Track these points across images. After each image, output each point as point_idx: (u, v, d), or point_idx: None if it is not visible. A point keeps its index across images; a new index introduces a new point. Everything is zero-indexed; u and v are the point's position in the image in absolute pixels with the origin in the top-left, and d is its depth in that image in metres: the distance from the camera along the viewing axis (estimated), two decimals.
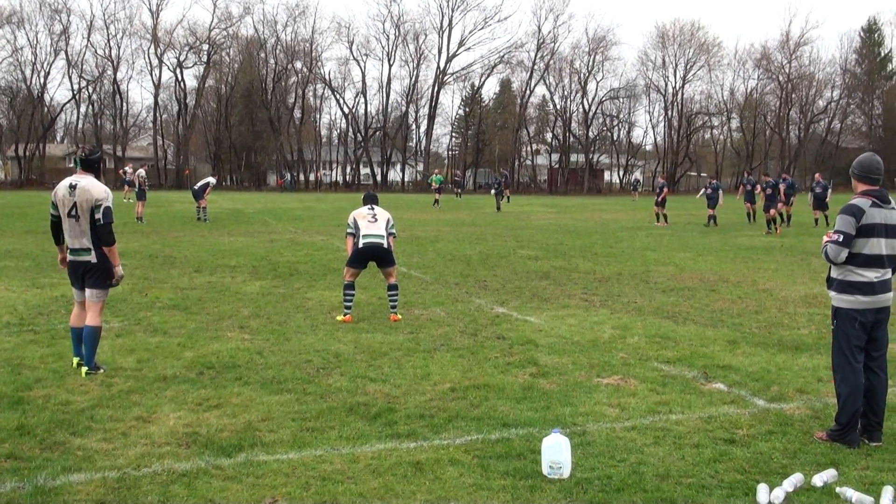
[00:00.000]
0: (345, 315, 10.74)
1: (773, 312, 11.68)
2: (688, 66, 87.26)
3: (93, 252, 7.80)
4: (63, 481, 5.22)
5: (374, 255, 10.78)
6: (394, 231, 11.04)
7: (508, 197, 50.82)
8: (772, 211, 27.19)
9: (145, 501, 4.93)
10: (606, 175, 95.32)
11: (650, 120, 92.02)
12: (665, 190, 32.43)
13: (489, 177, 79.66)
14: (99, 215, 7.74)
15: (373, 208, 10.97)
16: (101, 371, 7.83)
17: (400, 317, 10.82)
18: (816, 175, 31.73)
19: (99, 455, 5.69)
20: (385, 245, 10.71)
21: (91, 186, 7.79)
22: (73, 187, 7.76)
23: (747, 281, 14.97)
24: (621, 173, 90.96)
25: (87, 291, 7.90)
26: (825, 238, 6.15)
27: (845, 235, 6.00)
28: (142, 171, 31.71)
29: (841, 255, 6.02)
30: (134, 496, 5.00)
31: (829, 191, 29.70)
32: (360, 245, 10.69)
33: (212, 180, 32.28)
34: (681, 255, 19.58)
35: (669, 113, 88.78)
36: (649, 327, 10.43)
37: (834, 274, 6.22)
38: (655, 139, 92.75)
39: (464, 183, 65.59)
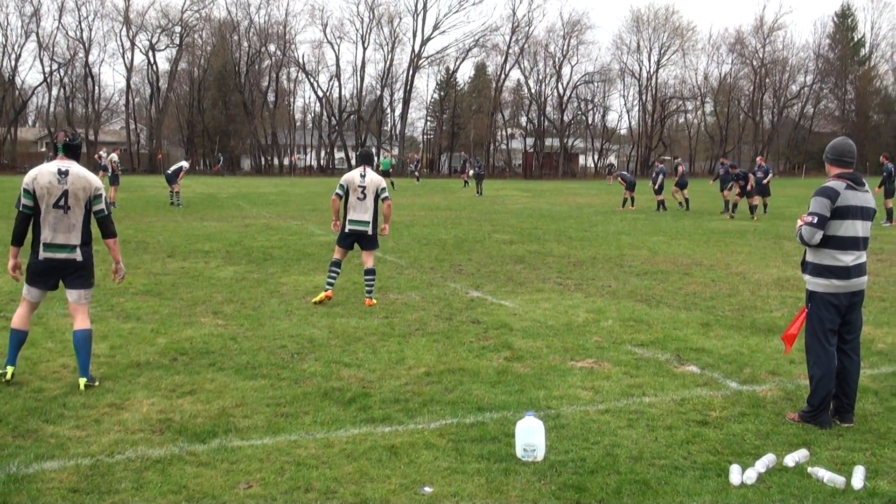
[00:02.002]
0: (326, 291, 10.83)
1: (746, 295, 11.77)
2: (662, 51, 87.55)
3: (78, 249, 7.15)
4: (36, 469, 5.18)
5: (357, 238, 10.80)
6: (386, 195, 10.82)
7: (466, 182, 50.79)
8: (755, 198, 27.14)
9: (119, 488, 4.91)
10: (581, 159, 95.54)
11: (625, 104, 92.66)
12: (662, 176, 31.05)
13: (460, 161, 79.56)
14: (101, 205, 7.17)
15: (364, 174, 10.72)
16: (97, 384, 6.99)
17: (374, 301, 10.79)
18: (758, 158, 30.75)
19: (72, 442, 5.65)
20: (370, 232, 10.73)
21: (86, 174, 7.11)
22: (63, 173, 6.93)
23: (720, 264, 15.08)
24: (596, 157, 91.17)
25: (73, 293, 7.23)
26: (800, 221, 6.18)
27: (820, 217, 6.03)
28: (114, 156, 31.33)
29: (816, 238, 6.04)
30: (107, 483, 4.98)
31: (771, 175, 28.91)
32: (346, 229, 10.75)
33: (185, 164, 32.00)
34: (654, 238, 19.68)
35: (644, 97, 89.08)
36: (623, 311, 10.49)
37: (809, 257, 6.25)
38: (630, 123, 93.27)
39: (419, 167, 64.87)
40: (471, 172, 51.16)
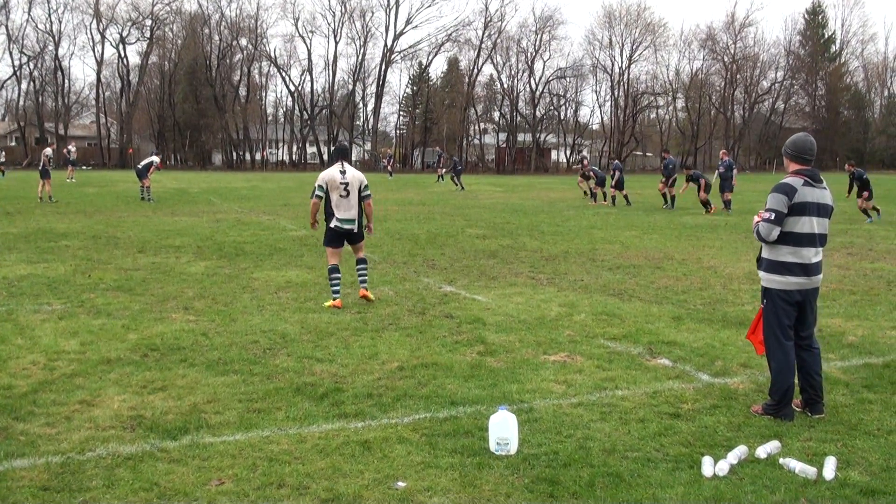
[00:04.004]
0: (333, 300, 10.20)
1: (718, 289, 11.85)
2: (634, 47, 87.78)
3: None
4: (6, 467, 5.12)
5: (345, 235, 10.38)
6: (368, 193, 10.41)
7: (441, 177, 50.77)
8: (726, 194, 27.19)
9: (90, 486, 4.87)
10: (553, 154, 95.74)
11: (597, 99, 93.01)
12: (619, 172, 30.98)
13: (434, 156, 79.33)
14: None
15: (344, 170, 10.21)
16: None
17: (371, 295, 10.56)
18: (721, 153, 30.20)
19: (42, 440, 5.59)
20: (356, 230, 10.36)
21: None
22: None
23: (692, 258, 15.17)
24: (568, 152, 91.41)
25: None
26: (756, 217, 6.20)
27: (777, 213, 6.04)
28: (48, 150, 30.53)
29: (773, 234, 6.07)
30: (78, 481, 4.93)
31: (735, 171, 28.11)
32: (333, 226, 10.29)
33: (155, 159, 31.72)
34: (626, 233, 19.77)
35: (616, 93, 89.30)
36: (595, 305, 10.53)
37: (765, 254, 6.28)
38: (602, 118, 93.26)
39: (391, 162, 64.43)
40: (443, 170, 51.16)
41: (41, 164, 29.35)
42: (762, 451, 5.35)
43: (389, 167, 61.48)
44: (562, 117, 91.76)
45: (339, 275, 10.33)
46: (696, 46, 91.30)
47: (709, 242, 17.88)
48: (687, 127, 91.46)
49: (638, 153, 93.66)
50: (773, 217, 6.04)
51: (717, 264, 14.41)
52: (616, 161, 34.24)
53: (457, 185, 42.38)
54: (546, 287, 11.93)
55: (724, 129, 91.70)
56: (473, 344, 8.37)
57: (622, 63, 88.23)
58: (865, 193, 24.10)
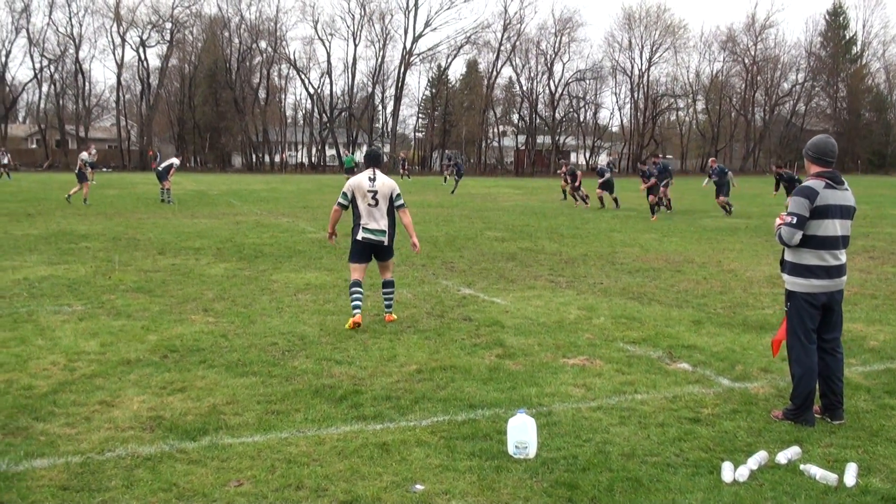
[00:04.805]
0: (354, 316, 9.21)
1: (738, 293, 11.78)
2: (654, 48, 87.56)
3: None
4: (26, 467, 5.15)
5: (373, 250, 9.47)
6: (402, 203, 9.45)
7: (447, 178, 50.74)
8: (720, 198, 26.91)
9: (109, 486, 4.88)
10: (573, 156, 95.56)
11: (616, 101, 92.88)
12: (579, 174, 31.78)
13: (455, 158, 79.28)
14: None
15: (374, 177, 9.30)
16: None
17: (395, 317, 9.65)
18: (710, 160, 29.79)
19: (62, 440, 5.62)
20: (387, 242, 9.38)
21: None
22: None
23: (712, 262, 15.09)
24: (588, 155, 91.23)
25: None
26: (778, 220, 6.15)
27: (799, 217, 5.99)
28: (84, 154, 31.07)
29: (795, 238, 6.02)
30: (98, 481, 4.95)
31: (730, 175, 27.46)
32: (359, 237, 9.32)
33: (175, 161, 31.89)
34: (646, 236, 19.69)
35: (636, 95, 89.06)
36: (615, 308, 10.49)
37: (788, 257, 6.23)
38: (622, 121, 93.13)
39: (406, 164, 64.26)
40: (447, 172, 51.08)
41: (77, 167, 29.74)
42: (783, 457, 5.31)
43: (403, 169, 61.41)
44: (581, 119, 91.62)
45: (360, 290, 9.32)
46: (716, 48, 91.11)
47: (729, 245, 17.78)
48: (707, 129, 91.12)
49: (658, 155, 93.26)
50: (794, 221, 5.99)
51: (737, 267, 14.33)
52: (607, 161, 33.26)
53: (454, 185, 42.01)
54: (565, 290, 11.89)
55: (744, 131, 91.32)
56: (492, 347, 8.35)
57: (642, 65, 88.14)
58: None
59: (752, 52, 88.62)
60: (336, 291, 11.45)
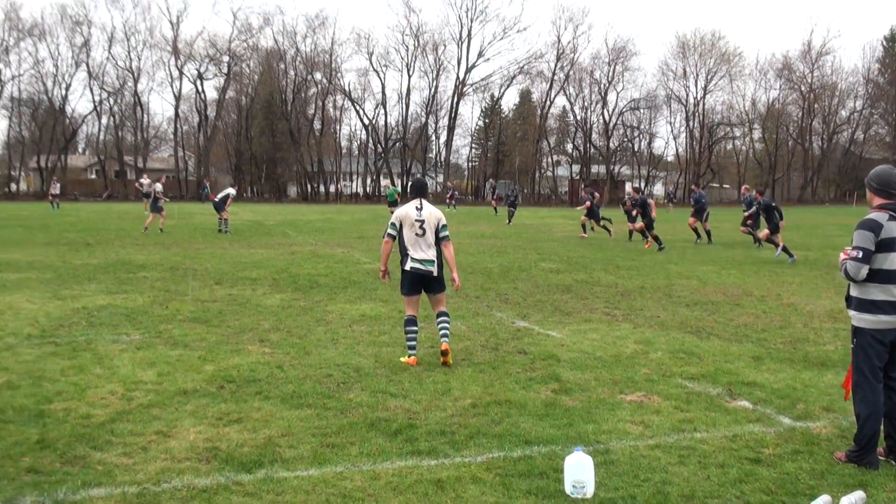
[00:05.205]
0: (408, 356, 9.09)
1: (799, 327, 11.55)
2: (709, 77, 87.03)
3: None
4: (83, 496, 5.20)
5: (423, 281, 9.25)
6: (447, 234, 9.24)
7: (496, 209, 50.55)
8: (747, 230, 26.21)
9: None
10: (627, 186, 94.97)
11: (671, 130, 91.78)
12: (652, 203, 27.79)
13: (507, 188, 78.89)
14: None
15: (420, 206, 9.18)
16: None
17: (450, 359, 9.07)
18: (743, 188, 29.15)
19: (119, 470, 5.66)
20: (435, 273, 9.18)
21: None
22: None
23: (771, 295, 14.83)
24: (643, 184, 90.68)
25: None
26: (843, 255, 6.00)
27: (865, 251, 5.85)
28: (158, 185, 32.01)
29: (861, 272, 5.87)
30: None
31: (757, 204, 25.33)
32: (408, 268, 9.14)
33: (231, 192, 32.38)
34: (703, 268, 19.44)
35: (691, 123, 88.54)
36: (673, 342, 10.33)
37: (853, 292, 6.07)
38: (677, 150, 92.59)
39: (454, 194, 64.17)
40: (497, 201, 50.87)
41: (151, 197, 30.52)
42: (846, 502, 5.14)
43: (450, 199, 61.38)
44: (636, 149, 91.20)
45: (415, 328, 9.18)
46: (772, 76, 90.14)
47: (788, 278, 17.47)
48: (764, 158, 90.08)
49: (714, 185, 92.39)
50: (860, 255, 5.85)
51: (797, 301, 14.06)
52: (638, 194, 28.78)
53: (510, 216, 40.77)
54: (622, 323, 11.76)
55: (801, 160, 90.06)
56: (548, 381, 8.27)
57: (697, 93, 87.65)
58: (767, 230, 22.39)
59: (809, 80, 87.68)
60: (391, 323, 11.46)
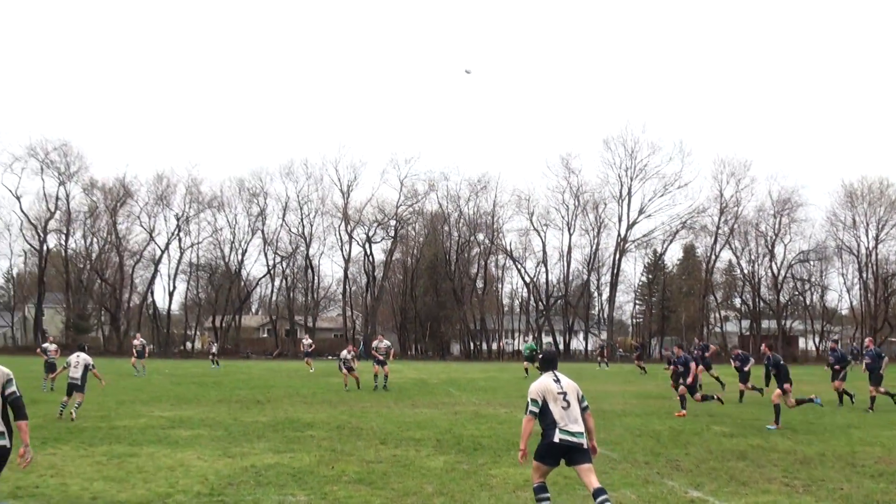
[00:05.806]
0: None
1: None
2: (880, 226, 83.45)
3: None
4: None
5: (567, 452, 9.01)
6: (587, 405, 9.26)
7: (643, 368, 48.96)
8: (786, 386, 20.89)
9: None
10: (801, 342, 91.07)
11: (844, 282, 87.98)
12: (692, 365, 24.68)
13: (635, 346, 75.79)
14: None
15: (557, 378, 9.23)
16: None
17: None
18: (867, 340, 27.04)
19: None
20: (585, 444, 9.03)
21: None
22: None
23: None
24: (817, 340, 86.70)
25: None
26: None
27: None
28: (345, 353, 32.17)
29: None
30: None
31: (885, 359, 24.44)
32: (556, 440, 8.92)
33: (387, 343, 32.94)
34: (888, 433, 18.15)
35: (864, 275, 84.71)
36: None
37: None
38: (851, 303, 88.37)
39: (639, 350, 62.76)
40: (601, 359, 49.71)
41: (344, 361, 31.18)
42: None
43: (602, 357, 60.34)
44: (807, 302, 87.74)
45: (547, 495, 9.16)
46: None
47: None
48: None
49: (893, 339, 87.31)
50: None
51: None
52: (682, 352, 26.53)
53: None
54: (802, 495, 11.03)
55: None
56: None
57: (868, 243, 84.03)
58: (787, 385, 19.81)
59: None
60: (556, 489, 11.15)
